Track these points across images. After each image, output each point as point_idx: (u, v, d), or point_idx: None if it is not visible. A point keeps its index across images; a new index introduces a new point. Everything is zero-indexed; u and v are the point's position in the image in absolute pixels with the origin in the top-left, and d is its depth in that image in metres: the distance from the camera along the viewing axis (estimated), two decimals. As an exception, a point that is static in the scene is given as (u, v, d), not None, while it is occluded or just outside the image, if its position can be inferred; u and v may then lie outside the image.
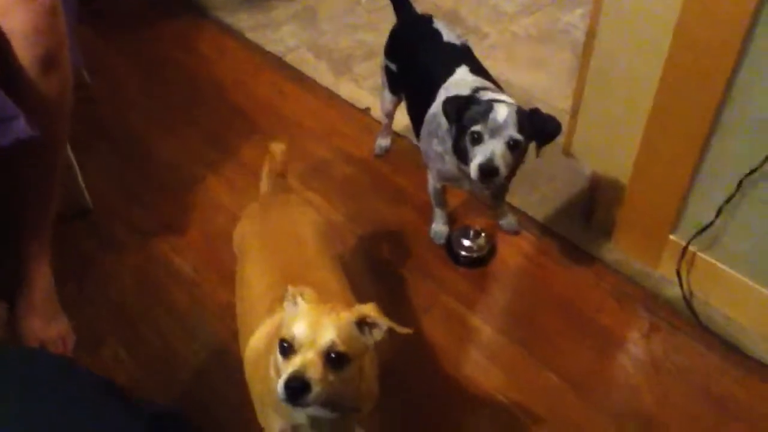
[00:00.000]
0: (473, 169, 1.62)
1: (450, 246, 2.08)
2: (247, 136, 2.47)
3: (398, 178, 2.33)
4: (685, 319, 1.90)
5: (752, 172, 1.61)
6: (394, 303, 1.93)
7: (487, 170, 1.60)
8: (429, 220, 2.13)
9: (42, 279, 1.82)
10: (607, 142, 1.94)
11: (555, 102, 2.51)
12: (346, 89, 2.68)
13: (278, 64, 2.81)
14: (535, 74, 2.68)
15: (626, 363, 1.83)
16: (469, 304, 1.96)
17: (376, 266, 2.07)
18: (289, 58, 2.83)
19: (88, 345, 1.86)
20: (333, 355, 1.09)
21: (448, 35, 1.99)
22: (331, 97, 2.65)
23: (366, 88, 2.64)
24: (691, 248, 1.85)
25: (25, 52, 1.51)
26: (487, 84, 1.84)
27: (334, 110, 2.60)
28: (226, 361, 1.76)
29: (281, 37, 2.95)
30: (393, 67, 2.09)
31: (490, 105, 1.63)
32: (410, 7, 2.15)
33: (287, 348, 1.10)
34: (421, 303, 1.96)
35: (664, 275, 1.97)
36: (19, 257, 1.80)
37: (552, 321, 1.92)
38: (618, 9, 1.70)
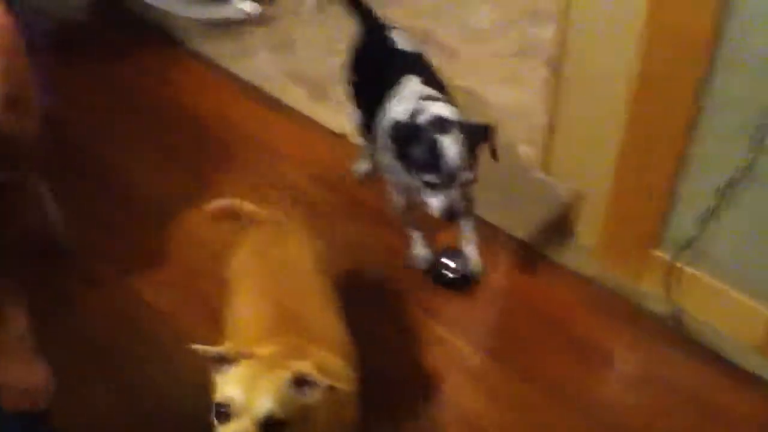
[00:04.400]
0: (435, 212, 1.67)
1: (435, 269, 2.04)
2: (225, 166, 2.45)
3: (379, 202, 2.30)
4: (671, 332, 1.88)
5: (732, 183, 1.60)
6: (378, 329, 1.90)
7: (449, 215, 1.66)
8: (410, 243, 2.10)
9: (16, 323, 1.77)
10: (586, 158, 1.94)
11: (532, 118, 2.49)
12: (324, 115, 2.66)
13: (255, 92, 2.80)
14: (511, 91, 2.67)
15: (612, 378, 1.82)
16: (454, 327, 1.93)
17: (359, 293, 2.04)
18: (267, 86, 2.82)
19: (67, 386, 1.81)
20: (270, 423, 1.04)
21: (402, 43, 1.99)
22: (309, 123, 2.64)
23: (344, 114, 2.63)
24: (676, 262, 1.84)
25: None
26: (433, 93, 1.82)
27: (313, 136, 2.58)
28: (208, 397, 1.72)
29: (258, 65, 2.94)
30: (353, 78, 2.09)
31: (435, 146, 1.61)
32: (373, 18, 2.12)
33: (223, 412, 1.04)
34: (405, 327, 1.94)
35: (648, 289, 1.95)
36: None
37: (538, 339, 1.90)
38: (586, 22, 1.70)
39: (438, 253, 2.07)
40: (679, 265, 1.84)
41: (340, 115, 2.62)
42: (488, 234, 2.16)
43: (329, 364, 1.28)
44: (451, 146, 1.62)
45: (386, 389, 1.78)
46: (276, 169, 2.44)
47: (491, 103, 2.61)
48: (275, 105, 2.73)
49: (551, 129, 1.96)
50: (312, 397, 1.10)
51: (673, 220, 1.81)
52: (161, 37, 3.10)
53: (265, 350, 1.24)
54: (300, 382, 1.09)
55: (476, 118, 1.76)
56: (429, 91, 1.83)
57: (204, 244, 2.18)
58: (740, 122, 1.54)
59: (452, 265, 2.02)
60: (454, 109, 1.73)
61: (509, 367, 1.83)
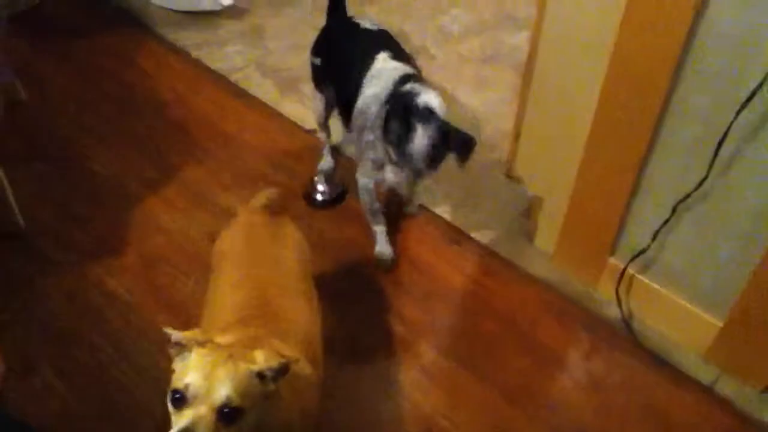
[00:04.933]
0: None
1: (307, 193, 2.29)
2: (188, 154, 2.43)
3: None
4: (624, 337, 1.93)
5: (686, 197, 1.64)
6: (339, 324, 1.91)
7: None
8: (372, 239, 2.12)
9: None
10: (549, 165, 1.96)
11: (500, 123, 2.53)
12: (291, 109, 2.65)
13: (223, 81, 2.78)
14: (481, 95, 2.71)
15: (567, 380, 1.85)
16: (412, 325, 1.95)
17: (322, 289, 2.04)
18: (235, 77, 2.80)
19: (18, 371, 1.78)
20: (227, 410, 1.03)
21: (365, 24, 2.07)
22: (276, 116, 2.63)
23: (312, 108, 2.62)
24: (629, 270, 1.88)
25: None
26: (409, 70, 1.90)
27: (279, 129, 2.57)
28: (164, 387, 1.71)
29: (227, 55, 2.92)
30: (317, 61, 2.14)
31: (413, 132, 1.71)
32: (343, 10, 2.21)
33: (179, 399, 1.04)
34: (367, 325, 1.95)
35: (603, 295, 2.00)
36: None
37: (494, 340, 1.93)
38: (557, 33, 1.72)
39: (310, 181, 2.28)
40: (631, 272, 1.89)
41: (309, 110, 2.62)
42: (450, 234, 2.20)
43: (292, 359, 1.28)
44: (422, 139, 1.69)
45: (346, 384, 1.79)
46: (240, 159, 2.42)
47: (462, 105, 2.64)
48: (243, 96, 2.71)
49: (516, 134, 1.99)
50: (270, 385, 1.11)
51: (628, 229, 1.85)
52: (131, 23, 3.06)
53: (226, 339, 1.24)
54: (261, 372, 1.10)
55: (461, 125, 1.80)
56: (403, 67, 1.91)
57: (161, 230, 2.16)
58: (698, 140, 1.58)
59: (321, 188, 2.27)
60: (442, 102, 1.78)
61: (464, 366, 1.85)
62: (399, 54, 1.98)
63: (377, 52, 1.94)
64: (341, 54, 2.05)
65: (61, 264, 2.05)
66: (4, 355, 1.77)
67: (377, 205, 2.06)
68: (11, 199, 2.06)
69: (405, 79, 1.84)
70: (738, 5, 1.39)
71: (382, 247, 2.09)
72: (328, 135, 2.35)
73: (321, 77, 2.16)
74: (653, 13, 1.49)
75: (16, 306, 1.93)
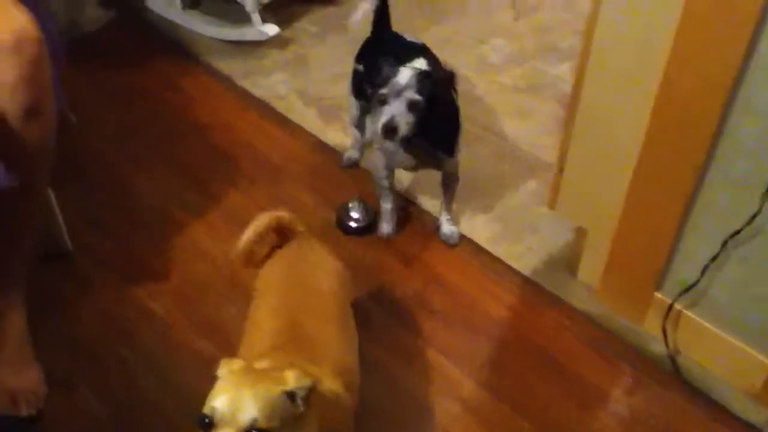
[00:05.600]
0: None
1: (340, 220, 2.28)
2: (231, 181, 2.45)
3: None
4: (669, 375, 1.87)
5: (737, 232, 1.60)
6: (374, 354, 1.89)
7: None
8: (411, 267, 2.12)
9: (14, 327, 1.77)
10: (593, 197, 1.94)
11: (542, 154, 2.51)
12: (334, 137, 2.67)
13: (266, 110, 2.81)
14: (522, 125, 2.69)
15: (609, 418, 1.80)
16: (451, 356, 1.92)
17: (356, 314, 2.04)
18: (278, 105, 2.83)
19: (57, 389, 1.80)
20: None
21: (409, 38, 2.20)
22: (318, 144, 2.65)
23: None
24: (676, 306, 1.84)
25: (8, 103, 1.48)
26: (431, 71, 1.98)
27: (321, 158, 2.59)
28: (199, 410, 1.71)
29: (271, 83, 2.96)
30: (360, 68, 2.22)
31: (394, 70, 1.84)
32: (388, 23, 2.30)
33: (208, 424, 1.05)
34: (400, 353, 1.93)
35: (648, 330, 1.95)
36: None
37: (534, 374, 1.89)
38: (604, 64, 1.71)
39: (342, 207, 2.28)
40: (678, 308, 1.84)
41: (351, 139, 2.64)
42: (489, 265, 2.17)
43: (320, 381, 1.28)
44: (405, 71, 1.85)
45: (379, 415, 1.77)
46: (281, 186, 2.44)
47: (501, 135, 2.63)
48: (286, 124, 2.74)
49: (560, 166, 1.97)
50: (300, 406, 1.11)
51: (675, 263, 1.81)
52: (180, 52, 3.13)
53: (262, 364, 1.25)
54: (288, 392, 1.10)
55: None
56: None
57: (203, 255, 2.18)
58: (751, 174, 1.54)
59: (356, 215, 2.26)
60: (412, 75, 1.86)
61: (503, 399, 1.82)
62: (435, 64, 2.09)
63: (417, 57, 2.06)
64: (382, 57, 2.12)
65: (101, 286, 2.08)
66: (45, 376, 1.79)
67: (385, 183, 2.17)
68: (60, 220, 2.10)
69: (420, 73, 1.90)
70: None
71: (384, 225, 2.23)
72: (362, 133, 2.43)
73: (361, 83, 2.25)
74: (704, 43, 1.47)
75: (56, 326, 1.96)
